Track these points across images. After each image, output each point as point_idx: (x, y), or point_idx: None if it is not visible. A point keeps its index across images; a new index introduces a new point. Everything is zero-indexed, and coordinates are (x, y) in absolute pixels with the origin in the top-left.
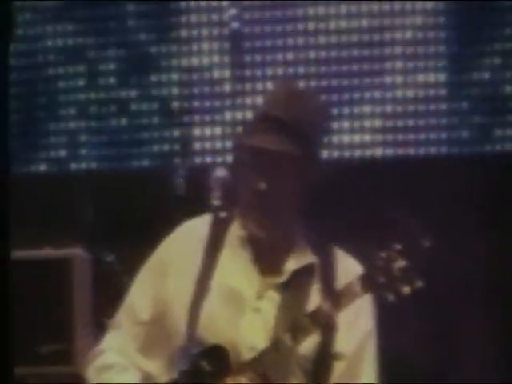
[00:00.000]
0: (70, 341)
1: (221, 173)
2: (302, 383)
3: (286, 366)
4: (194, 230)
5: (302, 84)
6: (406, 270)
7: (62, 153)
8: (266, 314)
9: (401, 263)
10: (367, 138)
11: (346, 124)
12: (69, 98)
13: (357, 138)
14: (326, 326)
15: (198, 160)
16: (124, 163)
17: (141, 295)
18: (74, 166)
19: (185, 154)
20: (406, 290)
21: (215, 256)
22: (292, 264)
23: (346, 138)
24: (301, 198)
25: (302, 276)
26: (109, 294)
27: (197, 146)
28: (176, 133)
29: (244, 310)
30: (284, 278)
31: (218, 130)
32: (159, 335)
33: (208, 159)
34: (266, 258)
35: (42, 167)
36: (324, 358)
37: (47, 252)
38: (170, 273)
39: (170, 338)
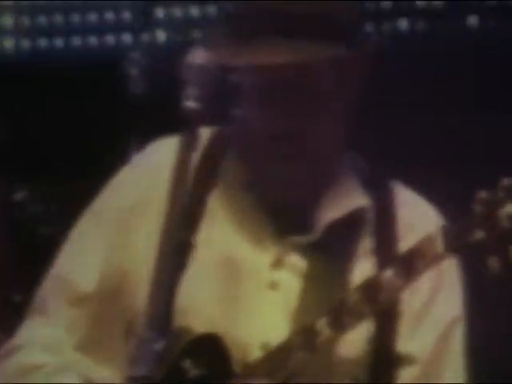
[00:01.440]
0: None
1: (198, 58)
2: None
3: (322, 370)
4: (168, 157)
5: None
6: None
7: None
8: (287, 290)
9: (510, 208)
10: None
11: None
12: None
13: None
14: (387, 310)
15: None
16: (43, 42)
17: (81, 260)
18: None
19: (143, 26)
20: None
21: (201, 199)
22: (329, 212)
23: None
24: (345, 122)
25: (343, 229)
26: (21, 255)
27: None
28: None
29: (253, 287)
30: (315, 233)
31: None
32: (111, 322)
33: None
34: (285, 205)
35: None
36: (383, 362)
37: None
38: (135, 226)
39: (128, 329)
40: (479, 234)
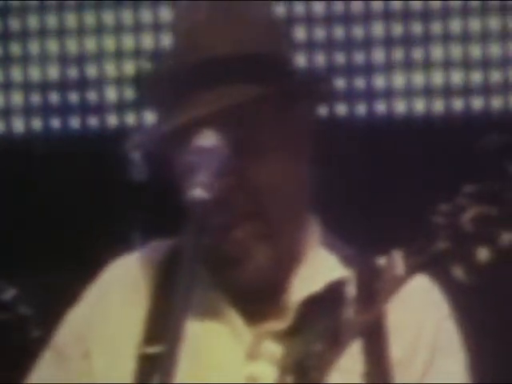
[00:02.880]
0: None
1: (209, 140)
2: None
3: None
4: (130, 273)
5: None
6: (482, 220)
7: None
8: (265, 381)
9: (474, 210)
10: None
11: None
12: None
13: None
14: (367, 360)
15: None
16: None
17: None
18: None
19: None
20: (483, 253)
21: (184, 304)
22: (302, 290)
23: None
24: (305, 173)
25: (320, 306)
26: (7, 362)
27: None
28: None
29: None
30: (290, 315)
31: None
32: None
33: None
34: (253, 294)
35: None
36: None
37: None
38: (93, 352)
39: None
40: (442, 245)
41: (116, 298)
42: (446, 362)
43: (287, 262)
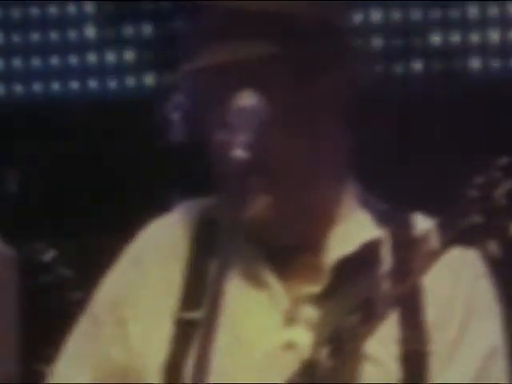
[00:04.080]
0: None
1: (249, 99)
2: None
3: None
4: (162, 238)
5: None
6: None
7: None
8: (303, 348)
9: (508, 185)
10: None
11: None
12: None
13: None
14: (414, 351)
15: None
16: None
17: (78, 364)
18: None
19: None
20: None
21: (224, 273)
22: (336, 250)
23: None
24: (333, 141)
25: (357, 266)
26: (47, 323)
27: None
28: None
29: (270, 351)
30: (325, 278)
31: None
32: None
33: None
34: (289, 255)
35: None
36: None
37: None
38: (129, 318)
39: None
40: (476, 219)
41: (152, 261)
42: (481, 322)
43: (313, 222)
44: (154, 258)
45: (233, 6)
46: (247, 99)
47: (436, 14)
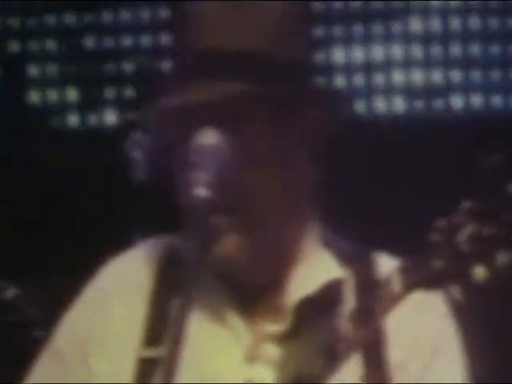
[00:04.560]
0: None
1: (210, 138)
2: None
3: None
4: (125, 274)
5: None
6: (479, 239)
7: None
8: None
9: (470, 229)
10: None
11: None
12: None
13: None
14: (365, 366)
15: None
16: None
17: None
18: None
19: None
20: (480, 271)
21: (185, 306)
22: (299, 291)
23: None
24: (300, 176)
25: (319, 307)
26: (8, 362)
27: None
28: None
29: None
30: (287, 318)
31: None
32: None
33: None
34: (252, 294)
35: None
36: None
37: None
38: (93, 355)
39: None
40: (439, 264)
41: (114, 298)
42: (444, 363)
43: (279, 261)
44: (116, 295)
45: (204, 46)
46: (209, 138)
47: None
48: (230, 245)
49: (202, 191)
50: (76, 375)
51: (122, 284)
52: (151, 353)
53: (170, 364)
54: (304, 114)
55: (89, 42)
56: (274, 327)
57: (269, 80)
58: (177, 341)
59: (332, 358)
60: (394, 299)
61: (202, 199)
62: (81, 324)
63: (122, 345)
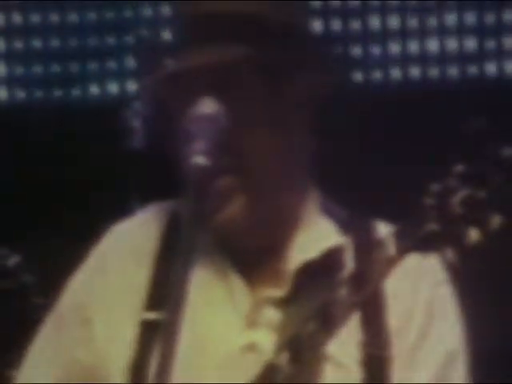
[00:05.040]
0: None
1: (208, 108)
2: None
3: None
4: (128, 240)
5: None
6: (472, 202)
7: None
8: (264, 350)
9: (463, 193)
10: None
11: None
12: None
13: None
14: (376, 358)
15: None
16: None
17: (43, 362)
18: None
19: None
20: (474, 234)
21: (185, 270)
22: (299, 256)
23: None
24: (299, 142)
25: (318, 272)
26: (13, 329)
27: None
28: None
29: (231, 352)
30: (287, 282)
31: None
32: None
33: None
34: (253, 259)
35: None
36: None
37: None
38: (94, 319)
39: None
40: (433, 227)
41: (116, 263)
42: (440, 328)
43: (279, 225)
44: (119, 260)
45: (202, 10)
46: (206, 107)
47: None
48: (230, 208)
49: (200, 159)
50: (77, 338)
51: (124, 249)
52: (153, 316)
53: (170, 327)
54: (301, 78)
55: (90, 16)
56: (274, 292)
57: (266, 44)
58: (177, 304)
59: (329, 321)
60: (390, 262)
61: (200, 167)
62: (82, 289)
63: (122, 309)
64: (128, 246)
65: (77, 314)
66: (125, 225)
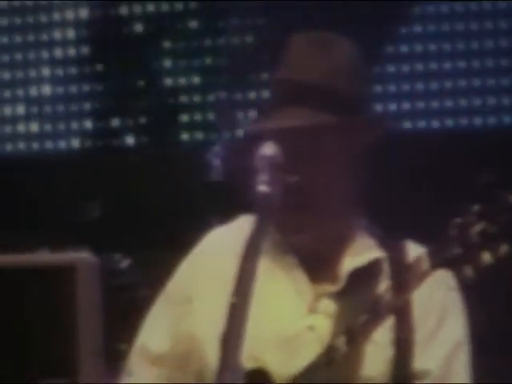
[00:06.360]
0: (76, 374)
1: (269, 150)
2: None
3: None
4: (222, 241)
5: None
6: (486, 233)
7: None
8: (321, 331)
9: (480, 226)
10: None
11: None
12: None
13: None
14: (403, 338)
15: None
16: (133, 139)
17: (156, 330)
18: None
19: (223, 125)
20: (487, 257)
21: (255, 267)
22: (350, 263)
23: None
24: (351, 181)
25: (364, 276)
26: (124, 312)
27: (239, 114)
28: (211, 97)
29: (295, 331)
30: (341, 281)
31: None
32: (184, 378)
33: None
34: (315, 261)
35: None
36: (398, 378)
37: (42, 257)
38: (194, 298)
39: (200, 380)
40: (456, 250)
41: (212, 258)
42: (451, 323)
43: (338, 239)
44: (214, 255)
45: (294, 79)
46: (267, 149)
47: None
48: (298, 228)
49: (262, 188)
50: (180, 311)
51: (218, 247)
52: (236, 300)
53: (242, 309)
54: (365, 135)
55: None
56: (330, 288)
57: (343, 110)
58: (250, 292)
59: (376, 317)
60: (424, 275)
61: (261, 193)
62: (185, 276)
63: (215, 292)
64: (221, 245)
65: (181, 295)
66: (219, 230)
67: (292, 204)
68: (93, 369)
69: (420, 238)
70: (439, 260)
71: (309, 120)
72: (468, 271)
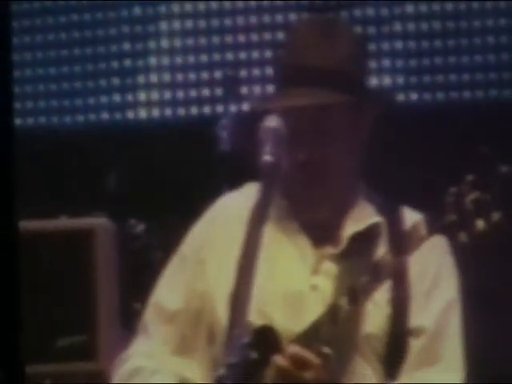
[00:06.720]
0: (93, 332)
1: (273, 122)
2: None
3: (347, 340)
4: (231, 207)
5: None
6: (479, 202)
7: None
8: (324, 290)
9: (474, 195)
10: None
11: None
12: None
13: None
14: (401, 295)
15: (245, 106)
16: (148, 112)
17: (170, 288)
18: (80, 117)
19: (229, 98)
20: (480, 224)
21: (261, 232)
22: (351, 227)
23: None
24: (357, 155)
25: (364, 240)
26: (139, 274)
27: (244, 89)
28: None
29: (300, 290)
30: (342, 245)
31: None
32: (197, 334)
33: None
34: (318, 226)
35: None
36: (396, 334)
37: (62, 222)
38: (207, 259)
39: (211, 335)
40: (452, 217)
41: (223, 222)
42: (445, 283)
43: (340, 205)
44: (224, 220)
45: (301, 62)
46: (271, 122)
47: None
48: (309, 202)
49: (266, 157)
50: (193, 272)
51: (228, 213)
52: (243, 262)
53: (249, 269)
54: (368, 111)
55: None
56: (332, 250)
57: (350, 90)
58: (256, 255)
59: (376, 278)
60: (421, 240)
61: (266, 163)
62: (198, 238)
63: (226, 254)
64: (231, 211)
65: (195, 255)
66: (228, 196)
67: (304, 180)
68: (109, 327)
69: (418, 206)
70: (435, 226)
71: (321, 98)
72: (463, 237)
